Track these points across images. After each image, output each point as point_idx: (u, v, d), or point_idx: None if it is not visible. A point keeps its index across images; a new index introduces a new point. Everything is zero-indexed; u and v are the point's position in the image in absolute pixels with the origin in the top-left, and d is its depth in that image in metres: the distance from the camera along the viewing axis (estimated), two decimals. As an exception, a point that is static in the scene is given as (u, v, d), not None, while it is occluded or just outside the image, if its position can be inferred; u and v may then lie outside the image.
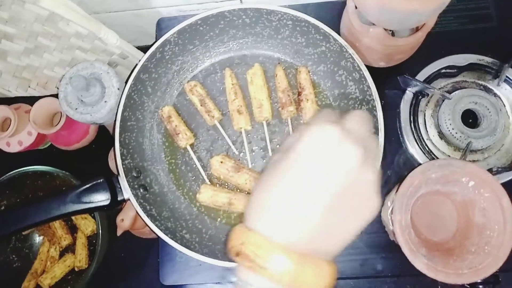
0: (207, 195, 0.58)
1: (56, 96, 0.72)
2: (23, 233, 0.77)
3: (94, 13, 0.74)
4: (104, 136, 0.79)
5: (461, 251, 0.50)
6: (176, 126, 0.61)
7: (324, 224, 0.32)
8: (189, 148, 0.62)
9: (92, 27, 0.60)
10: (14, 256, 0.76)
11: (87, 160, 0.78)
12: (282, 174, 0.33)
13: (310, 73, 0.64)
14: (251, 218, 0.33)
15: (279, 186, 0.33)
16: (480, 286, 0.56)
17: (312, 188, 0.32)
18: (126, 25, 0.79)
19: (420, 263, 0.47)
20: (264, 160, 0.62)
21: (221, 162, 0.59)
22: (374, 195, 0.34)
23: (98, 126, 0.79)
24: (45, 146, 0.81)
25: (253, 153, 0.62)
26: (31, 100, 0.76)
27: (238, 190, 0.60)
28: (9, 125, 0.72)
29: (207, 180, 0.61)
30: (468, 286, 0.57)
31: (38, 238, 0.79)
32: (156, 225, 0.53)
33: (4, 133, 0.71)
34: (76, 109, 0.64)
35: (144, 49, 0.71)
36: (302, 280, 0.31)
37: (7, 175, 0.70)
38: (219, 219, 0.60)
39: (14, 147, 0.75)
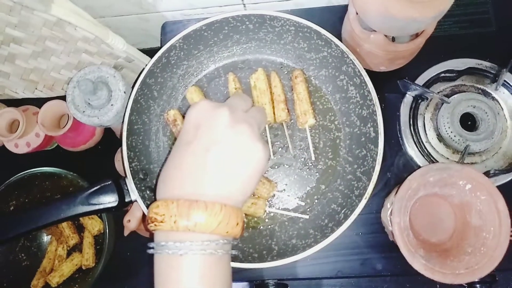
0: None
1: (62, 98, 0.73)
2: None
3: (100, 17, 0.75)
4: (110, 138, 0.80)
5: (458, 252, 0.52)
6: (181, 129, 0.63)
7: (215, 175, 0.39)
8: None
9: (100, 33, 0.61)
10: (23, 255, 0.77)
11: (93, 161, 0.80)
12: (177, 149, 0.42)
13: (312, 77, 0.65)
14: (161, 190, 0.41)
15: (175, 158, 0.41)
16: (478, 286, 0.58)
17: (195, 149, 0.40)
18: (131, 29, 0.80)
19: (418, 263, 0.49)
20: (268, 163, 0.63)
21: None
22: (253, 145, 0.41)
23: (104, 128, 0.80)
24: (52, 147, 0.82)
25: (256, 156, 0.64)
26: (37, 102, 0.78)
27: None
28: (18, 127, 0.73)
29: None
30: (466, 286, 0.58)
31: (46, 237, 0.80)
32: (163, 226, 0.54)
33: (13, 135, 0.73)
34: (84, 112, 0.66)
35: (149, 51, 0.73)
36: (214, 226, 0.37)
37: (16, 176, 0.72)
38: (223, 219, 0.62)
39: (22, 148, 0.76)
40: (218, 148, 0.39)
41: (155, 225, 0.37)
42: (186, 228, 0.36)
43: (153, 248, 0.39)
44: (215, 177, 0.39)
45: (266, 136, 0.63)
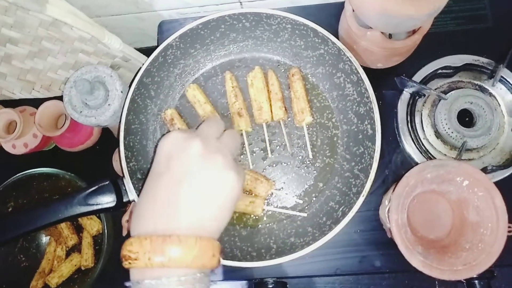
0: None
1: (59, 98, 0.73)
2: (30, 233, 0.79)
3: (97, 16, 0.75)
4: (107, 138, 0.80)
5: (456, 248, 0.52)
6: (178, 128, 0.63)
7: (188, 207, 0.38)
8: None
9: (96, 33, 0.61)
10: (22, 256, 0.77)
11: (91, 161, 0.80)
12: (149, 183, 0.42)
13: (309, 75, 0.65)
14: (134, 226, 0.40)
15: (147, 192, 0.41)
16: (476, 282, 0.58)
17: (167, 181, 0.40)
18: (128, 28, 0.80)
19: (416, 260, 0.49)
20: (265, 161, 0.63)
21: None
22: (226, 173, 0.40)
23: (101, 128, 0.80)
24: (50, 148, 0.82)
25: (254, 154, 0.64)
26: (34, 102, 0.77)
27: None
28: (15, 128, 0.73)
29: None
30: (465, 282, 0.59)
31: (45, 238, 0.80)
32: (161, 226, 0.54)
33: (10, 136, 0.73)
34: (81, 112, 0.65)
35: (145, 51, 0.72)
36: (189, 259, 0.36)
37: (14, 177, 0.72)
38: (221, 218, 0.62)
39: (19, 149, 0.76)
40: (190, 179, 0.39)
41: (129, 263, 0.36)
42: (161, 264, 0.35)
43: (129, 287, 0.38)
44: (188, 210, 0.38)
45: (265, 136, 0.63)
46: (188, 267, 0.36)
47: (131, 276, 0.39)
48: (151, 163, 0.44)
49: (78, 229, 0.79)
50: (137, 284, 0.36)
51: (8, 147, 0.77)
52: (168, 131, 0.65)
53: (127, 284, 0.38)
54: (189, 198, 0.39)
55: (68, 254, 0.78)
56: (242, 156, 0.64)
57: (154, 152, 0.44)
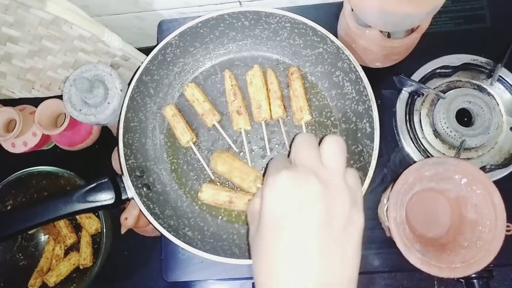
0: (208, 194, 0.60)
1: (59, 97, 0.73)
2: (29, 232, 0.79)
3: (96, 15, 0.75)
4: (107, 137, 0.80)
5: (454, 246, 0.52)
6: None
7: (325, 264, 0.32)
8: (192, 146, 0.63)
9: (96, 31, 0.61)
10: (20, 254, 0.77)
11: (91, 160, 0.80)
12: (267, 252, 0.33)
13: (308, 74, 0.65)
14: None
15: (271, 262, 0.33)
16: (475, 281, 0.58)
17: (297, 246, 0.32)
18: (127, 27, 0.81)
19: (414, 258, 0.49)
20: (264, 160, 0.63)
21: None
22: (352, 211, 0.34)
23: (101, 127, 0.80)
24: (49, 147, 0.82)
25: (253, 153, 0.64)
26: (34, 102, 0.78)
27: (238, 189, 0.62)
28: (15, 127, 0.73)
29: (212, 177, 0.63)
30: (463, 281, 0.58)
31: (43, 237, 0.80)
32: (159, 223, 0.54)
33: (10, 134, 0.73)
34: (80, 110, 0.66)
35: (145, 50, 0.73)
36: None
37: (13, 175, 0.72)
38: (220, 217, 0.62)
39: (19, 148, 0.76)
40: (310, 240, 0.32)
41: None
42: None
43: None
44: (323, 269, 0.32)
45: (264, 134, 0.63)
46: None
47: None
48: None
49: (77, 228, 0.79)
50: None
51: (7, 146, 0.77)
52: (168, 129, 0.65)
53: None
54: (316, 258, 0.32)
55: (66, 253, 0.78)
56: (241, 154, 0.64)
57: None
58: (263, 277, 0.33)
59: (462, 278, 0.58)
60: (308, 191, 0.33)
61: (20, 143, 0.76)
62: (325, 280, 0.32)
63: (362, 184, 0.53)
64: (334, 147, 0.37)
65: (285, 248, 0.32)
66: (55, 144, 0.81)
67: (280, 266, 0.32)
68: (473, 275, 0.57)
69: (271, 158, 0.40)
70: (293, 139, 0.39)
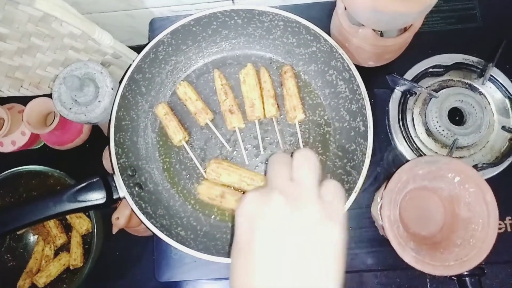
0: (205, 186, 0.60)
1: (49, 96, 0.72)
2: (18, 232, 0.78)
3: (87, 13, 0.74)
4: (98, 136, 0.79)
5: (448, 244, 0.52)
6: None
7: (301, 280, 0.32)
8: (185, 144, 0.63)
9: (87, 28, 0.60)
10: (9, 255, 0.76)
11: (81, 159, 0.79)
12: (235, 261, 0.35)
13: (301, 73, 0.65)
14: None
15: (244, 277, 0.33)
16: (467, 278, 0.58)
17: (268, 260, 0.32)
18: (118, 25, 0.79)
19: (408, 256, 0.49)
20: (257, 158, 0.63)
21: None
22: (328, 224, 0.34)
23: (91, 126, 0.79)
24: (39, 146, 0.81)
25: (247, 151, 0.63)
26: (23, 100, 0.76)
27: (232, 188, 0.61)
28: (3, 125, 0.72)
29: (204, 175, 0.62)
30: (455, 279, 0.59)
31: (32, 237, 0.79)
32: (152, 223, 0.54)
33: (-2, 133, 0.71)
34: (70, 109, 0.65)
35: (137, 49, 0.72)
36: None
37: (1, 175, 0.70)
38: (213, 216, 0.61)
39: (7, 147, 0.75)
40: (285, 253, 0.32)
41: None
42: None
43: None
44: (295, 281, 0.32)
45: (257, 133, 0.63)
46: None
47: None
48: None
49: (67, 228, 0.78)
50: None
51: (-5, 145, 0.75)
52: (160, 127, 0.64)
53: None
54: (291, 272, 0.32)
55: (56, 253, 0.77)
56: (234, 153, 0.63)
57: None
58: None
59: (455, 276, 0.58)
60: (271, 206, 0.34)
61: (9, 142, 0.75)
62: None
63: (355, 183, 0.53)
64: (302, 162, 0.38)
65: (255, 260, 0.33)
66: (44, 143, 0.79)
67: (252, 279, 0.32)
68: (465, 273, 0.57)
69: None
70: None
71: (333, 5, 0.63)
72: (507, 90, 0.64)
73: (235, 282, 0.34)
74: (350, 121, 0.60)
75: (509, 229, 0.60)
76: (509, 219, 0.61)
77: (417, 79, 0.66)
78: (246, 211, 0.35)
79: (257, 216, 0.34)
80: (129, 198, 0.55)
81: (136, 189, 0.58)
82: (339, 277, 0.33)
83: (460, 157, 0.63)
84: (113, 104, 0.58)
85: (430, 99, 0.63)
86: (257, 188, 0.37)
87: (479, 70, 0.65)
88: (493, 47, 0.64)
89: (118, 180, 0.55)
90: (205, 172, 0.62)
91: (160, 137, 0.65)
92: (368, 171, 0.54)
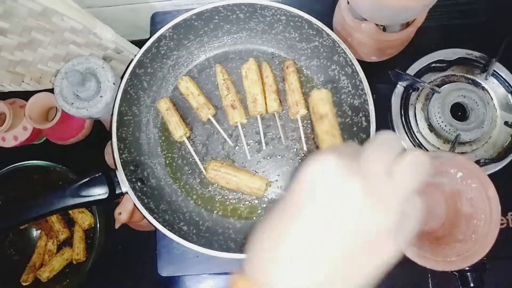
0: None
1: (50, 90, 0.72)
2: (21, 227, 0.78)
3: (88, 7, 0.74)
4: (99, 131, 0.79)
5: (450, 239, 0.52)
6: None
7: (330, 272, 0.29)
8: (186, 140, 0.63)
9: (88, 23, 0.60)
10: (12, 250, 0.76)
11: (83, 154, 0.79)
12: (280, 219, 0.31)
13: (304, 67, 0.65)
14: (253, 267, 0.31)
15: (281, 235, 0.30)
16: (469, 274, 0.58)
17: (313, 235, 0.29)
18: (120, 20, 0.79)
19: (410, 251, 0.49)
20: (259, 154, 0.63)
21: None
22: (387, 241, 0.29)
23: (93, 121, 0.79)
24: (41, 141, 0.81)
25: (249, 147, 0.63)
26: (24, 95, 0.76)
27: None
28: (4, 120, 0.72)
29: (204, 172, 0.62)
30: (457, 274, 0.59)
31: (35, 232, 0.79)
32: (154, 218, 0.54)
33: (-1, 128, 0.71)
34: (72, 104, 0.64)
35: (138, 43, 0.72)
36: None
37: (3, 170, 0.71)
38: (215, 211, 0.62)
39: (9, 142, 0.75)
40: (335, 239, 0.28)
41: None
42: None
43: None
44: (324, 277, 0.29)
45: (259, 128, 0.63)
46: None
47: None
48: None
49: (70, 223, 0.79)
50: None
51: (-3, 140, 0.75)
52: (162, 122, 0.64)
53: None
54: (329, 264, 0.29)
55: (59, 248, 0.77)
56: (236, 148, 0.63)
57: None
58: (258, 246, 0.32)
59: (456, 271, 0.58)
60: (345, 191, 0.29)
61: (11, 137, 0.75)
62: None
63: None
64: (416, 163, 0.30)
65: (296, 227, 0.29)
66: (46, 138, 0.79)
67: (288, 240, 0.29)
68: (467, 268, 0.57)
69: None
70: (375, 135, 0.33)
71: (335, 0, 0.62)
72: (510, 85, 0.63)
73: (265, 236, 0.31)
74: (352, 116, 0.60)
75: (511, 225, 0.60)
76: (511, 215, 0.61)
77: (419, 74, 0.65)
78: (315, 178, 0.30)
79: (322, 195, 0.29)
80: (131, 193, 0.55)
81: (139, 184, 0.58)
82: None
83: (463, 153, 0.63)
84: (115, 99, 0.58)
85: (433, 94, 0.63)
86: (344, 152, 0.30)
87: (482, 65, 0.65)
88: (496, 42, 0.63)
89: (121, 175, 0.55)
90: (205, 169, 0.62)
91: (162, 132, 0.65)
92: (370, 166, 0.53)
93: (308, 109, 0.63)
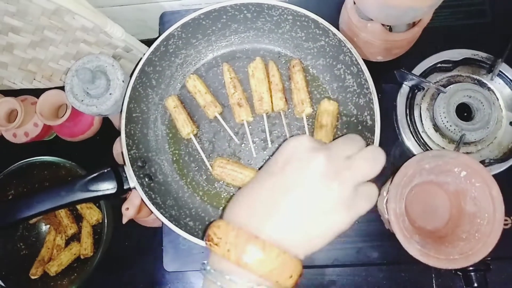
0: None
1: (60, 88, 0.74)
2: (30, 222, 0.79)
3: (98, 7, 0.75)
4: (108, 128, 0.80)
5: (453, 238, 0.52)
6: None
7: (285, 218, 0.36)
8: (193, 137, 0.64)
9: (99, 21, 0.61)
10: (21, 244, 0.78)
11: (92, 151, 0.80)
12: (264, 178, 0.39)
13: (310, 67, 0.66)
14: (237, 215, 0.38)
15: (254, 185, 0.39)
16: (472, 274, 0.58)
17: (276, 183, 0.38)
18: (129, 19, 0.80)
19: (413, 249, 0.50)
20: (265, 152, 0.64)
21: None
22: (336, 210, 0.36)
23: (102, 118, 0.81)
24: (51, 138, 0.83)
25: (254, 144, 0.64)
26: (35, 93, 0.78)
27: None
28: (16, 117, 0.73)
29: (210, 169, 0.63)
30: (461, 274, 0.59)
31: (44, 227, 0.81)
32: (161, 213, 0.55)
33: (11, 125, 0.73)
34: (82, 101, 0.66)
35: (146, 42, 0.73)
36: (266, 270, 0.34)
37: (14, 165, 0.72)
38: (221, 207, 0.62)
39: (20, 138, 0.77)
40: (298, 193, 0.36)
41: (210, 245, 0.36)
42: (237, 262, 0.34)
43: (204, 269, 0.37)
44: (285, 221, 0.36)
45: (265, 126, 0.63)
46: (262, 277, 0.34)
47: (210, 257, 0.38)
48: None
49: (78, 219, 0.80)
50: (208, 270, 0.36)
51: (9, 136, 0.77)
52: (170, 120, 0.65)
53: (204, 262, 0.38)
54: (289, 211, 0.36)
55: (67, 243, 0.79)
56: (242, 146, 0.64)
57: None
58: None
59: (460, 271, 0.59)
60: (314, 157, 0.37)
61: (22, 133, 0.76)
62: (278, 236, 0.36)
63: None
64: (369, 155, 0.39)
65: (274, 185, 0.38)
66: (56, 135, 0.81)
67: (263, 193, 0.38)
68: (471, 268, 0.57)
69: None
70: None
71: (342, 0, 0.63)
72: (516, 86, 0.63)
73: (243, 192, 0.40)
74: (357, 115, 0.60)
75: (515, 225, 0.60)
76: (516, 215, 0.61)
77: (425, 74, 0.66)
78: (290, 150, 0.39)
79: (294, 162, 0.38)
80: (139, 189, 0.56)
81: (146, 180, 0.59)
82: (310, 252, 0.37)
83: (468, 153, 0.63)
84: (124, 96, 0.59)
85: (438, 94, 0.63)
86: (319, 138, 0.44)
87: (488, 66, 0.65)
88: (502, 42, 0.64)
89: (129, 171, 0.56)
90: (211, 166, 0.63)
91: (170, 129, 0.66)
92: (374, 165, 0.54)
93: (313, 108, 0.64)
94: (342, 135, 0.43)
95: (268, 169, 0.40)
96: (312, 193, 0.36)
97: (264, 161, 0.64)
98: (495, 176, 0.53)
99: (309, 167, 0.37)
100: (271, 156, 0.63)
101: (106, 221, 0.70)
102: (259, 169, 0.43)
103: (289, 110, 0.65)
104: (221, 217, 0.39)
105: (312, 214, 0.36)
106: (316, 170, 0.37)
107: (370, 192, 0.39)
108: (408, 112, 0.65)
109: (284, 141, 0.42)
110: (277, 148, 0.41)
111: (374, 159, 0.39)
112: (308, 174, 0.37)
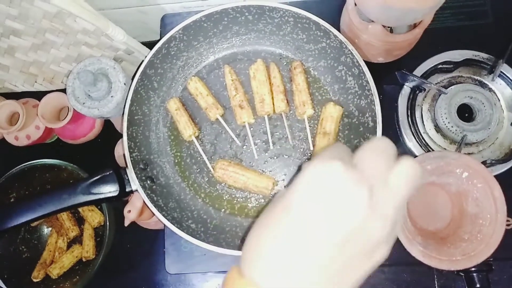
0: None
1: (62, 91, 0.74)
2: (32, 224, 0.79)
3: (100, 9, 0.75)
4: (109, 131, 0.80)
5: (455, 239, 0.52)
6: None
7: (322, 276, 0.29)
8: (195, 139, 0.64)
9: (101, 24, 0.61)
10: (23, 247, 0.78)
11: (93, 153, 0.80)
12: (281, 217, 0.30)
13: (311, 68, 0.66)
14: (246, 263, 0.31)
15: (277, 231, 0.30)
16: (475, 274, 0.58)
17: (312, 237, 0.29)
18: (130, 22, 0.81)
19: (415, 250, 0.50)
20: (266, 153, 0.64)
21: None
22: (381, 244, 0.30)
23: (103, 121, 0.81)
24: (52, 140, 0.83)
25: (256, 146, 0.64)
26: (37, 95, 0.78)
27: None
28: (18, 120, 0.74)
29: (212, 171, 0.63)
30: (463, 275, 0.59)
31: (46, 230, 0.81)
32: (163, 215, 0.55)
33: (13, 127, 0.73)
34: (84, 103, 0.66)
35: (148, 45, 0.73)
36: None
37: (16, 168, 0.72)
38: (223, 209, 0.62)
39: (22, 141, 0.77)
40: (337, 244, 0.28)
41: None
42: None
43: None
44: (317, 281, 0.29)
45: (266, 128, 0.63)
46: None
47: None
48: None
49: (80, 221, 0.80)
50: None
51: (10, 139, 0.77)
52: (171, 122, 0.65)
53: None
54: (325, 269, 0.29)
55: (69, 245, 0.79)
56: (244, 148, 0.64)
57: None
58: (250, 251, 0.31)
59: (462, 272, 0.59)
60: (349, 199, 0.28)
61: (23, 136, 0.76)
62: None
63: None
64: (411, 173, 0.31)
65: (296, 227, 0.29)
66: (58, 138, 0.81)
67: (280, 242, 0.29)
68: (473, 269, 0.57)
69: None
70: (370, 140, 0.34)
71: (343, 1, 0.63)
72: (517, 86, 0.64)
73: (262, 236, 0.31)
74: (359, 117, 0.60)
75: (517, 226, 0.60)
76: (518, 216, 0.61)
77: (426, 75, 0.66)
78: (324, 177, 0.29)
79: (330, 193, 0.29)
80: (141, 191, 0.56)
81: (148, 182, 0.59)
82: None
83: (469, 154, 0.63)
84: (126, 99, 0.59)
85: (439, 95, 0.64)
86: (322, 145, 0.29)
87: (489, 67, 0.65)
88: (503, 43, 0.64)
89: (131, 173, 0.57)
90: (213, 168, 0.63)
91: (172, 131, 0.66)
92: (376, 166, 0.54)
93: (315, 110, 0.64)
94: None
95: (287, 205, 0.30)
96: (352, 242, 0.29)
97: (266, 162, 0.64)
98: (496, 177, 0.53)
99: (350, 211, 0.28)
100: (271, 157, 0.63)
101: (108, 223, 0.70)
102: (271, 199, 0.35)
103: (291, 112, 0.65)
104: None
105: (351, 267, 0.29)
106: (357, 215, 0.28)
107: (402, 214, 0.33)
108: (409, 113, 0.65)
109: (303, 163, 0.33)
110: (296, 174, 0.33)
111: (413, 174, 0.31)
112: (349, 220, 0.28)
